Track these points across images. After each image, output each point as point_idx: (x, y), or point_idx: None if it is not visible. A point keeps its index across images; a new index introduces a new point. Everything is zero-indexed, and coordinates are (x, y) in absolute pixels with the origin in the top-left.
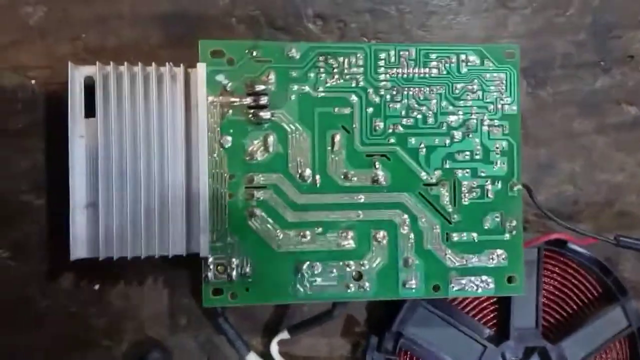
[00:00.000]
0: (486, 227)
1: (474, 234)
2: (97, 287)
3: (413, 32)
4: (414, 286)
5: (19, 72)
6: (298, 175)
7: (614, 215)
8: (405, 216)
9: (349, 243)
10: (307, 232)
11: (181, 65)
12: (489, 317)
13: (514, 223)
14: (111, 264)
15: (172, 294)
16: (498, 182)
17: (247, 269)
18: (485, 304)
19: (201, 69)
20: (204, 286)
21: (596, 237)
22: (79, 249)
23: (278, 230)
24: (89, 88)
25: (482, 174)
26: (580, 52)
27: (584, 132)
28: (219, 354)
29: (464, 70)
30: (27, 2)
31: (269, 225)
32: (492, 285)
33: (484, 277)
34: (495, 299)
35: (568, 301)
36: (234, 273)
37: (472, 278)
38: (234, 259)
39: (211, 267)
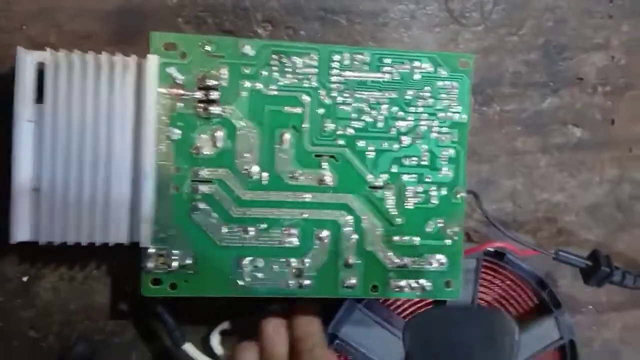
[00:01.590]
0: (428, 232)
1: (416, 238)
2: (25, 279)
3: (363, 43)
4: (353, 286)
5: None
6: (245, 172)
7: (551, 234)
8: (349, 217)
9: (292, 240)
10: (251, 228)
11: (133, 55)
12: None
13: (456, 229)
14: (49, 253)
15: (113, 284)
16: (443, 189)
17: (188, 261)
18: (421, 311)
19: (152, 61)
20: (144, 276)
21: (536, 249)
22: (20, 232)
23: (222, 225)
24: (39, 74)
25: (428, 180)
26: (530, 72)
27: (528, 151)
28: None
29: (416, 76)
30: None
31: (212, 220)
32: (430, 289)
33: (422, 281)
34: (432, 306)
35: (505, 311)
36: (175, 264)
37: (411, 281)
38: (175, 251)
39: (151, 257)
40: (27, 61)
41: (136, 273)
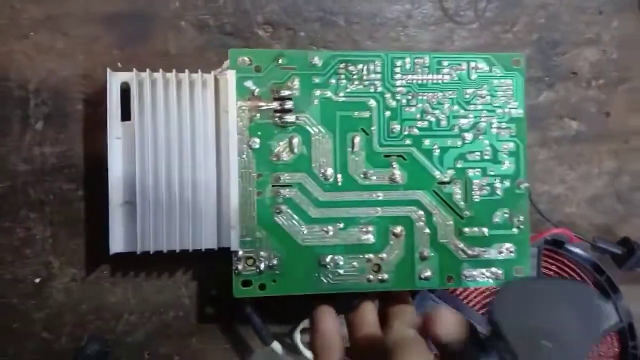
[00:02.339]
0: (495, 222)
1: (485, 229)
2: (37, 280)
3: (361, 43)
4: (429, 277)
5: None
6: (321, 175)
7: (553, 226)
8: (421, 212)
9: (369, 237)
10: (330, 228)
11: (212, 72)
12: None
13: (521, 218)
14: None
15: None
16: (506, 181)
17: (274, 262)
18: (488, 300)
19: (231, 76)
20: (235, 278)
21: (580, 237)
22: (116, 244)
23: (303, 226)
24: (125, 93)
25: (491, 173)
26: (525, 68)
27: (528, 145)
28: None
29: (473, 76)
30: None
31: (294, 221)
32: (501, 277)
33: (493, 269)
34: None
35: None
36: (262, 265)
37: (483, 270)
38: (262, 253)
39: (241, 260)
40: (114, 82)
41: (218, 276)
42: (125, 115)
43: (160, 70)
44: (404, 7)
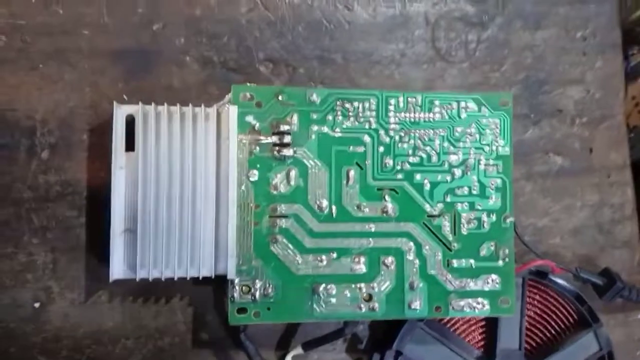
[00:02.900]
0: (482, 255)
1: (472, 261)
2: (37, 305)
3: (357, 80)
4: (418, 307)
5: None
6: (316, 206)
7: (537, 257)
8: (411, 244)
9: (361, 267)
10: (324, 257)
11: (214, 105)
12: (477, 339)
13: (507, 251)
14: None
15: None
16: (493, 215)
17: (269, 290)
18: (473, 327)
19: (233, 111)
20: (230, 305)
21: (561, 268)
22: (117, 271)
23: (297, 255)
24: (129, 124)
25: (479, 207)
26: (512, 107)
27: (514, 179)
28: None
29: (463, 115)
30: None
31: (289, 251)
32: (487, 307)
33: (480, 299)
34: (483, 323)
35: (547, 326)
36: (258, 294)
37: (470, 300)
38: (257, 281)
39: (237, 288)
40: (119, 114)
41: (214, 303)
42: (129, 146)
43: (165, 103)
44: (397, 47)
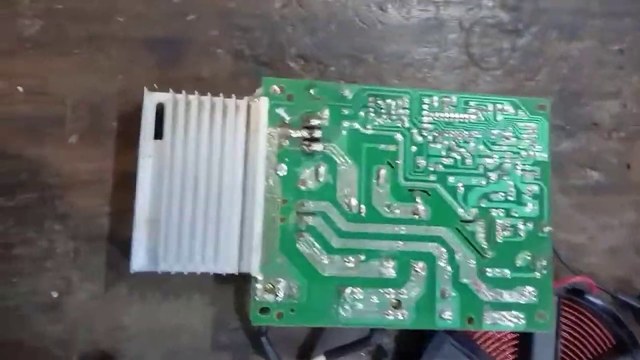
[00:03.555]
0: (518, 265)
1: (507, 271)
2: (55, 295)
3: (388, 81)
4: (449, 318)
5: (9, 79)
6: (345, 205)
7: (574, 274)
8: (443, 249)
9: (390, 272)
10: (351, 258)
11: (245, 97)
12: (509, 359)
13: (544, 262)
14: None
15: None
16: (529, 223)
17: (294, 291)
18: (504, 346)
19: (263, 103)
20: (252, 304)
21: (601, 288)
22: (138, 262)
23: (324, 255)
24: (159, 113)
25: (515, 215)
26: (550, 113)
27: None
28: None
29: (499, 118)
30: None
31: (315, 250)
32: (523, 321)
33: (515, 313)
34: (515, 342)
35: (583, 349)
36: (282, 293)
37: (505, 313)
38: (281, 280)
39: (260, 286)
40: (149, 101)
41: (236, 305)
42: (158, 134)
43: (196, 92)
44: (431, 50)
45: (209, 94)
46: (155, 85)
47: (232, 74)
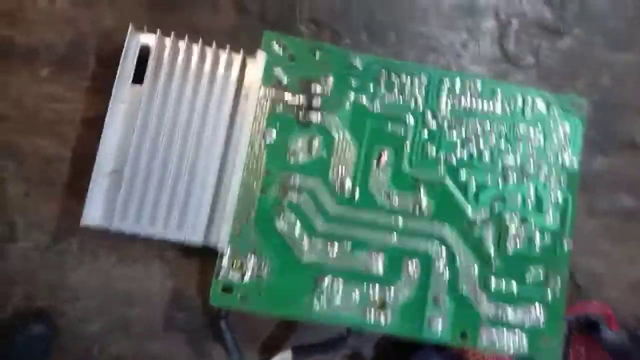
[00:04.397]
0: (527, 280)
1: (514, 285)
2: None
3: (406, 62)
4: (439, 328)
5: None
6: (337, 185)
7: (592, 301)
8: (443, 251)
9: (378, 267)
10: (336, 245)
11: (240, 52)
12: None
13: (558, 282)
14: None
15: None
16: (547, 235)
17: (264, 272)
18: None
19: (261, 57)
20: (214, 281)
21: (620, 324)
22: (91, 216)
23: (305, 238)
24: (141, 58)
25: (532, 224)
26: (586, 116)
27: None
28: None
29: (528, 113)
30: None
31: (296, 230)
32: (525, 345)
33: (517, 333)
34: None
35: None
36: (249, 273)
37: (504, 332)
38: (252, 258)
39: (226, 261)
40: (134, 41)
41: (198, 280)
42: (137, 79)
43: (187, 38)
44: (460, 36)
45: (200, 41)
46: (145, 27)
47: (232, 29)
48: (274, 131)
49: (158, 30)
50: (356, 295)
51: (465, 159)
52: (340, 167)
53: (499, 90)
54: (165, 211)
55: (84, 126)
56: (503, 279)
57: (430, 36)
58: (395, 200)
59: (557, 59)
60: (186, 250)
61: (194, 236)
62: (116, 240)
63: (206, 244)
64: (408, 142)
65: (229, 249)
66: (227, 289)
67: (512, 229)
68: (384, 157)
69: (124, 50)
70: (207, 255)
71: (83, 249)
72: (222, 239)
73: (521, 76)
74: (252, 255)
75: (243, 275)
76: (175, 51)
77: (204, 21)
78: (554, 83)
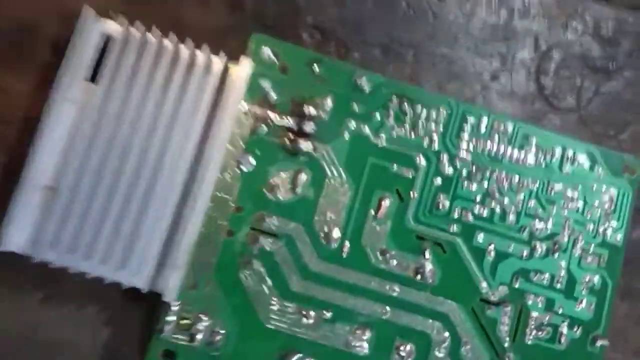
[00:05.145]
0: None
1: None
2: None
3: (426, 89)
4: None
5: None
6: (322, 234)
7: None
8: (447, 334)
9: (362, 345)
10: (312, 313)
11: (223, 56)
12: None
13: None
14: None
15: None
16: (577, 328)
17: (218, 338)
18: None
19: (245, 65)
20: (154, 341)
21: None
22: (14, 239)
23: (274, 298)
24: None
25: (560, 311)
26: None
27: None
28: None
29: (567, 169)
30: None
31: (264, 287)
32: None
33: None
34: None
35: None
36: (200, 336)
37: None
38: (204, 318)
39: (173, 318)
40: (93, 29)
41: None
42: (91, 76)
43: (159, 33)
44: (491, 64)
45: (174, 38)
46: (119, 16)
47: (222, 29)
48: (253, 158)
49: (126, 22)
50: None
51: (484, 217)
52: (329, 212)
53: (534, 137)
54: (106, 244)
55: (25, 126)
56: None
57: (454, 60)
58: (393, 262)
59: (601, 104)
60: (131, 296)
61: (138, 279)
62: (45, 272)
63: (151, 289)
64: (416, 189)
65: (178, 302)
66: (169, 353)
67: (535, 315)
68: (384, 205)
69: (73, 36)
70: (157, 302)
71: (2, 280)
72: (170, 288)
73: (558, 119)
74: (205, 314)
75: (191, 338)
76: (142, 46)
77: (190, 17)
78: (596, 131)
